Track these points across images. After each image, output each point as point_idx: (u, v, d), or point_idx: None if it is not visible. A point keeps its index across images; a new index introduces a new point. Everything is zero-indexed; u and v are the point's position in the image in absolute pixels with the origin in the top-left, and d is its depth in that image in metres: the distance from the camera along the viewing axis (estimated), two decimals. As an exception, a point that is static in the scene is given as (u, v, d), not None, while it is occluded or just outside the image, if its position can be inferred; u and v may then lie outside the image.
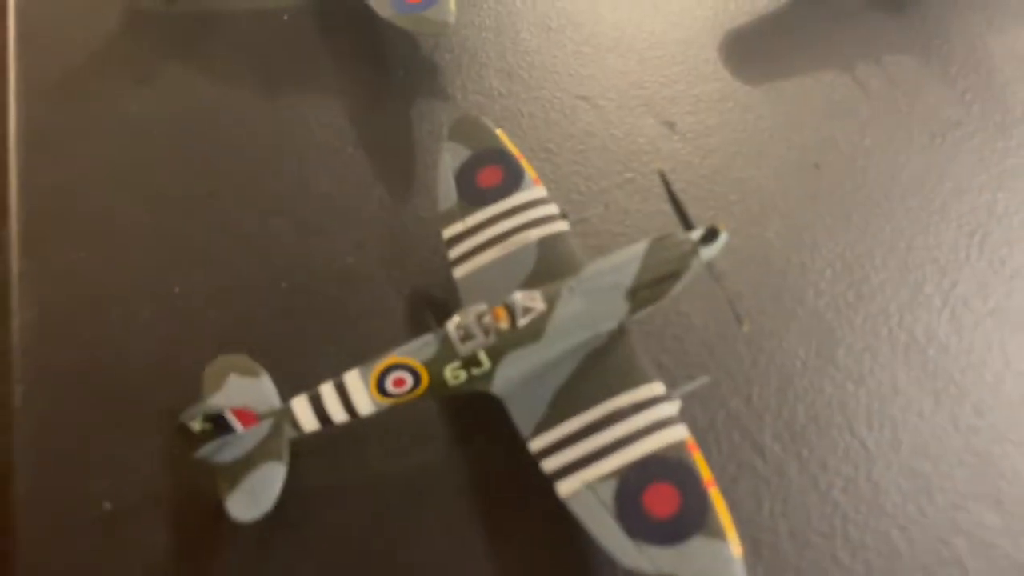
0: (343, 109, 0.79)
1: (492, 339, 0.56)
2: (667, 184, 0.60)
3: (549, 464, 0.55)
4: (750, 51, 0.90)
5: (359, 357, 0.59)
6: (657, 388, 0.56)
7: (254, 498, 0.53)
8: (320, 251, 0.70)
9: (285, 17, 0.86)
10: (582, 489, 0.53)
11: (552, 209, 0.65)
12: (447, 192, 0.67)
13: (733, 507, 0.55)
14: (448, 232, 0.65)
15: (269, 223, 0.71)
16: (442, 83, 0.82)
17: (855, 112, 0.84)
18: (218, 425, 0.54)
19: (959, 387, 0.66)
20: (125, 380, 0.62)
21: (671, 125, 0.81)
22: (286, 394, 0.57)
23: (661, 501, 0.51)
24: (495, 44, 0.86)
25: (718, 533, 0.50)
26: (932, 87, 0.85)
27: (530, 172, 0.67)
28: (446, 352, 0.56)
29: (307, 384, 0.57)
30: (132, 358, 0.63)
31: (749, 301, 0.69)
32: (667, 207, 0.62)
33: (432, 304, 0.66)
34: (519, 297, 0.57)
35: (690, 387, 0.57)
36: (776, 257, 0.72)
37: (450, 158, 0.69)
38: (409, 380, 0.56)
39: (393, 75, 0.82)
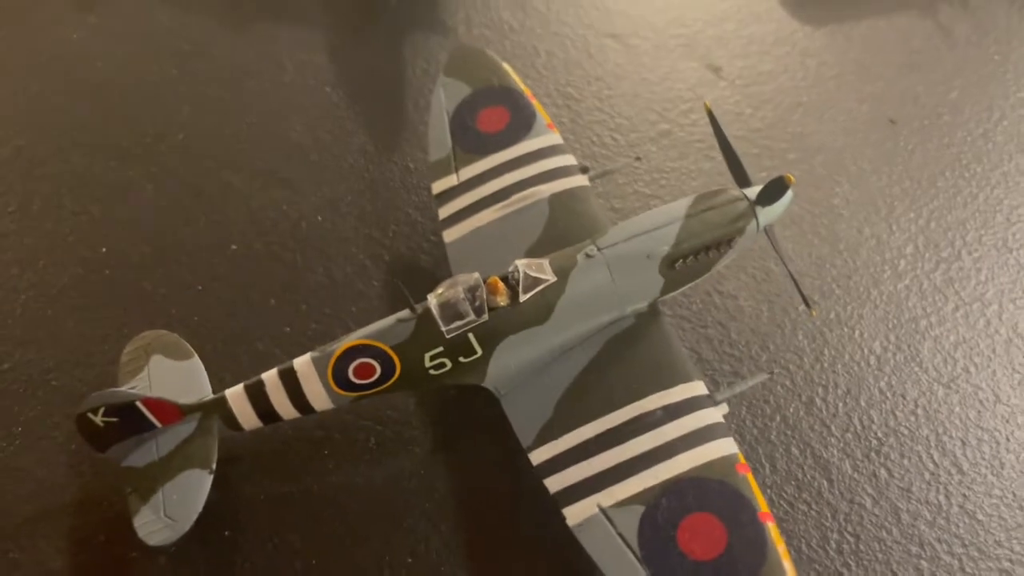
0: (322, 41, 0.66)
1: (486, 319, 0.44)
2: (716, 125, 0.47)
3: (555, 483, 0.42)
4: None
5: (319, 339, 0.46)
6: (698, 387, 0.43)
7: (169, 516, 0.41)
8: (284, 208, 0.57)
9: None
10: (597, 516, 0.40)
11: (569, 160, 0.52)
12: (440, 137, 0.55)
13: (791, 543, 0.42)
14: (439, 186, 0.53)
15: (223, 173, 0.58)
16: (442, 13, 0.69)
17: (938, 61, 0.71)
18: (129, 419, 0.42)
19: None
20: (25, 359, 0.50)
21: (717, 70, 0.68)
22: (223, 383, 0.45)
23: (702, 538, 0.38)
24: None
25: (779, 556, 0.37)
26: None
27: (543, 115, 0.54)
28: (426, 334, 0.44)
29: (250, 371, 0.45)
30: (39, 331, 0.51)
31: (812, 282, 0.55)
32: (710, 165, 0.49)
33: (416, 274, 0.53)
34: (522, 265, 0.44)
35: (742, 387, 0.44)
36: (845, 229, 0.59)
37: (446, 97, 0.56)
38: (377, 368, 0.44)
39: (384, 1, 0.69)
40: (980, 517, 0.48)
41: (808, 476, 0.48)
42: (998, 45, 0.72)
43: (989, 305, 0.55)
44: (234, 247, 0.55)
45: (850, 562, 0.46)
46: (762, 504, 0.39)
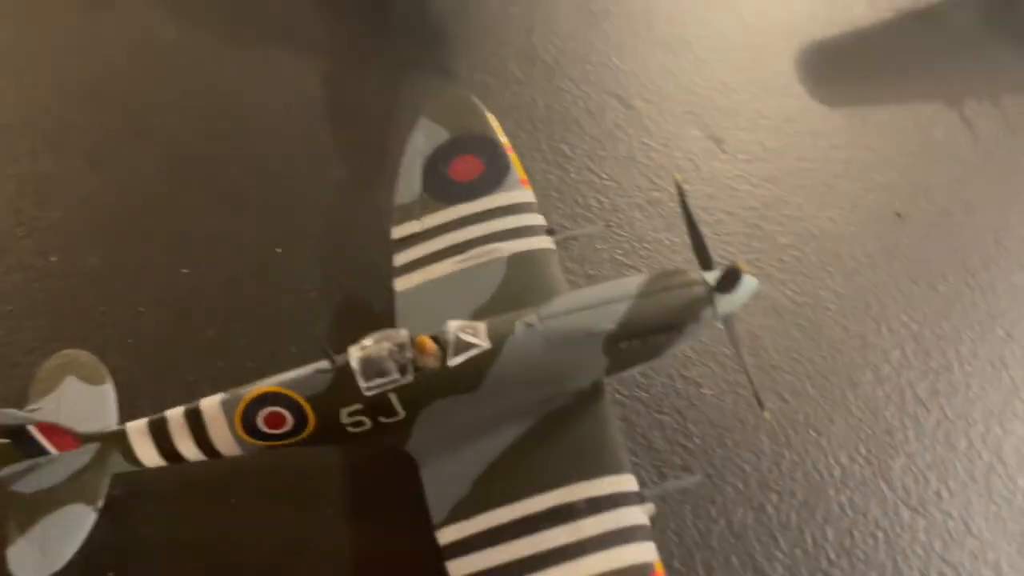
0: (321, 70, 0.65)
1: (410, 379, 0.41)
2: (684, 200, 0.44)
3: (458, 568, 0.39)
4: (835, 69, 0.74)
5: (252, 377, 0.44)
6: (627, 482, 0.39)
7: (43, 552, 0.39)
8: (245, 235, 0.55)
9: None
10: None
11: (536, 219, 0.49)
12: (410, 181, 0.52)
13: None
14: (399, 231, 0.50)
15: (191, 189, 0.57)
16: (446, 55, 0.67)
17: (957, 157, 0.67)
18: (21, 442, 0.40)
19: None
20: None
21: (719, 141, 0.65)
22: (141, 412, 0.42)
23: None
24: (522, 20, 0.71)
25: None
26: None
27: (518, 170, 0.52)
28: (344, 389, 0.41)
29: (174, 403, 0.42)
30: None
31: (784, 377, 0.52)
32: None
33: (365, 320, 0.51)
34: (455, 327, 0.41)
35: (675, 485, 0.41)
36: (830, 324, 0.55)
37: (424, 139, 0.54)
38: (289, 419, 0.41)
39: (388, 36, 0.67)
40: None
41: (746, 591, 0.44)
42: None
43: (974, 424, 0.51)
44: (185, 271, 0.53)
45: None
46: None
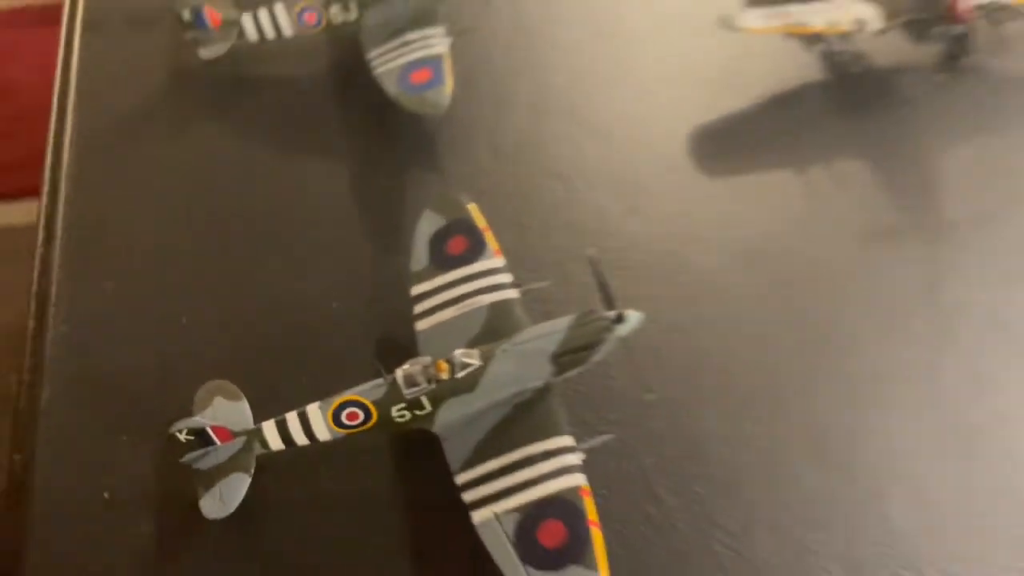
0: (346, 173, 0.92)
1: (434, 387, 0.68)
2: (594, 267, 0.71)
3: (468, 495, 0.65)
4: (718, 147, 1.01)
5: (325, 392, 0.70)
6: (566, 440, 0.66)
7: (222, 501, 0.65)
8: (309, 294, 0.82)
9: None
10: (491, 519, 0.64)
11: (506, 278, 0.76)
12: (419, 255, 0.79)
13: (624, 545, 0.65)
14: (416, 290, 0.77)
15: (268, 266, 0.83)
16: (436, 155, 0.94)
17: (801, 209, 0.94)
18: (201, 438, 0.66)
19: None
20: (134, 393, 0.75)
21: (634, 209, 0.92)
22: (259, 417, 0.68)
23: (550, 534, 0.61)
24: (488, 122, 0.98)
25: (592, 567, 0.60)
26: (874, 191, 0.96)
27: (492, 244, 0.78)
28: (394, 395, 0.68)
29: (277, 411, 0.69)
30: (141, 374, 0.75)
31: (668, 373, 0.78)
32: (614, 284, 0.72)
33: (397, 350, 0.76)
34: (458, 354, 0.68)
35: (593, 443, 0.68)
36: (705, 337, 0.82)
37: (427, 226, 0.80)
38: (361, 415, 0.68)
39: (394, 146, 0.94)
40: (760, 553, 0.71)
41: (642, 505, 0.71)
42: (847, 196, 0.96)
43: (789, 402, 0.79)
44: (273, 321, 0.79)
45: (667, 566, 0.68)
46: (593, 517, 0.62)
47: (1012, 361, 0.81)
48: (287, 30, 0.99)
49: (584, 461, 0.66)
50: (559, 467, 0.65)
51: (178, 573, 0.67)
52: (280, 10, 0.99)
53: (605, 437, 0.68)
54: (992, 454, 0.75)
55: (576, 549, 0.60)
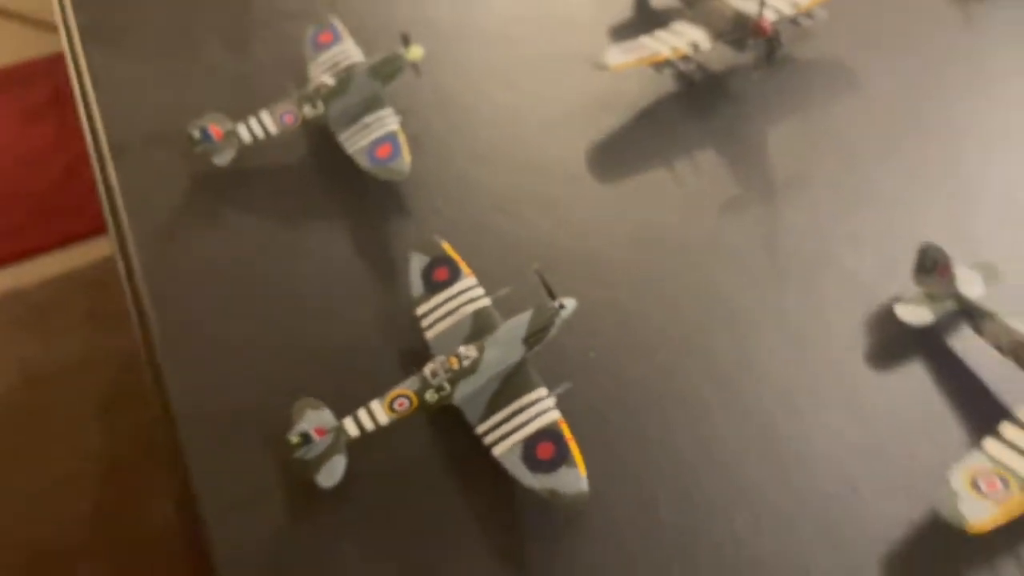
0: (347, 234, 1.22)
1: (450, 375, 1.01)
2: (539, 275, 1.05)
3: (487, 439, 0.98)
4: (608, 159, 1.35)
5: (373, 395, 1.03)
6: (542, 392, 1.00)
7: (331, 475, 0.98)
8: (344, 330, 1.14)
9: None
10: (506, 450, 0.97)
11: (480, 291, 1.09)
12: (416, 285, 1.11)
13: (587, 451, 1.00)
14: (419, 311, 1.09)
15: (317, 322, 1.14)
16: (409, 209, 1.25)
17: (675, 196, 1.30)
18: (305, 438, 0.99)
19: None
20: (258, 418, 1.02)
21: (558, 221, 1.26)
22: (339, 416, 1.01)
23: (545, 451, 0.95)
24: (439, 175, 1.30)
25: (574, 465, 0.95)
26: (724, 173, 1.31)
27: (465, 269, 1.12)
28: (425, 385, 1.01)
29: (349, 410, 1.01)
30: (260, 406, 1.03)
31: (602, 338, 1.12)
32: (553, 281, 1.06)
33: (417, 356, 1.09)
34: (462, 350, 1.02)
35: (559, 390, 1.02)
36: (625, 308, 1.16)
37: (416, 263, 1.13)
38: (407, 402, 1.01)
39: (376, 206, 1.26)
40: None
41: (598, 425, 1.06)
42: (709, 182, 1.32)
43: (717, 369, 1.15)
44: (331, 356, 1.12)
45: (618, 459, 1.04)
46: (569, 436, 0.96)
47: (839, 289, 1.16)
48: (273, 130, 1.30)
49: (556, 403, 1.01)
50: (542, 409, 0.99)
51: (304, 518, 0.98)
52: (265, 116, 1.29)
53: (566, 385, 1.03)
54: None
55: (563, 457, 0.95)
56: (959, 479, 0.93)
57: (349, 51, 1.37)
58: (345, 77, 1.31)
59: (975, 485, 0.92)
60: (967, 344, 1.08)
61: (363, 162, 1.25)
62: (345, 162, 1.26)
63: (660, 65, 1.38)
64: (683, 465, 1.00)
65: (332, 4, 1.45)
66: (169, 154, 1.29)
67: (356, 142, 1.27)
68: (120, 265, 1.21)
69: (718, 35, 1.39)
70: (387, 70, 1.32)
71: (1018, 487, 0.92)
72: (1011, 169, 1.30)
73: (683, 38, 1.38)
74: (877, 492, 0.98)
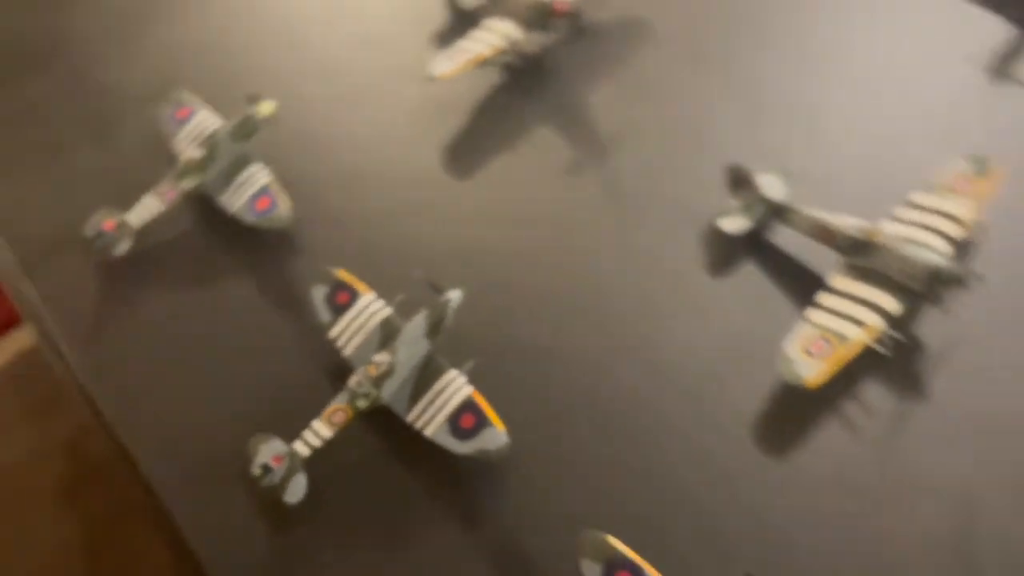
0: (252, 283, 1.37)
1: (372, 381, 1.19)
2: (424, 277, 1.23)
3: (418, 424, 1.16)
4: (462, 154, 1.53)
5: (317, 412, 1.19)
6: (453, 373, 1.18)
7: (295, 492, 1.15)
8: (277, 369, 1.29)
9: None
10: (436, 429, 1.15)
11: (380, 303, 1.25)
12: (323, 313, 1.27)
13: (501, 408, 1.18)
14: (332, 334, 1.26)
15: (248, 365, 1.29)
16: (300, 247, 1.41)
17: (528, 172, 1.49)
18: (266, 469, 1.16)
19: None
20: (222, 460, 1.16)
21: (435, 223, 1.42)
22: (289, 440, 1.18)
23: (467, 421, 1.14)
24: (320, 209, 1.45)
25: (492, 425, 1.14)
26: (563, 142, 1.51)
27: (362, 287, 1.28)
28: (354, 395, 1.18)
29: (296, 434, 1.18)
30: (220, 450, 1.16)
31: (488, 317, 1.30)
32: (438, 277, 1.24)
33: (341, 372, 1.26)
34: (377, 358, 1.19)
35: (466, 367, 1.21)
36: (509, 286, 1.34)
37: (318, 294, 1.29)
38: (343, 414, 1.18)
39: (270, 253, 1.42)
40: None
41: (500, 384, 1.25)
42: (547, 149, 1.51)
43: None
44: (276, 398, 1.28)
45: (529, 414, 1.23)
46: (484, 403, 1.15)
47: (673, 217, 1.35)
48: (159, 209, 1.43)
49: (468, 379, 1.19)
50: (456, 388, 1.17)
51: (291, 534, 1.11)
52: (149, 199, 1.41)
53: (471, 362, 1.22)
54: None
55: (482, 421, 1.14)
56: (792, 347, 1.16)
57: (207, 120, 1.51)
58: (210, 145, 1.44)
59: (806, 350, 1.15)
60: (782, 237, 1.31)
61: (247, 218, 1.40)
62: (233, 220, 1.40)
63: (484, 63, 1.55)
64: (580, 393, 1.18)
65: (178, 80, 1.57)
66: (75, 256, 1.42)
67: (235, 202, 1.42)
68: (54, 360, 1.35)
69: (526, 24, 1.57)
70: (246, 130, 1.46)
71: (839, 342, 1.15)
72: (796, 85, 1.53)
73: (497, 34, 1.56)
74: (735, 375, 1.20)
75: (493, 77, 1.54)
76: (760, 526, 1.10)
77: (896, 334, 1.11)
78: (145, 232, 1.41)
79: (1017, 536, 1.02)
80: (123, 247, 1.41)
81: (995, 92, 1.42)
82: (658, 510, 1.12)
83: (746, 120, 1.48)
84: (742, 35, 1.56)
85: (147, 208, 1.42)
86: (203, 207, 1.46)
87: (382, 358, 1.19)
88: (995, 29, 1.47)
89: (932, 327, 1.19)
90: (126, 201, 1.41)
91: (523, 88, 1.54)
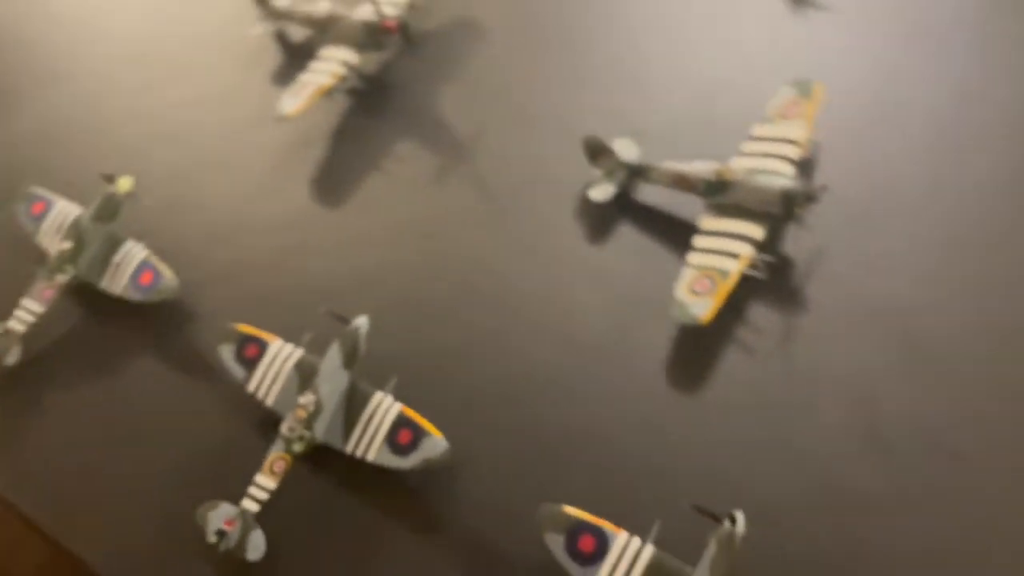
0: (159, 359, 1.36)
1: (303, 423, 1.21)
2: (330, 313, 1.26)
3: (358, 453, 1.20)
4: (328, 187, 1.56)
5: (258, 466, 1.21)
6: (380, 395, 1.21)
7: (257, 548, 1.16)
8: (206, 435, 1.30)
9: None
10: (376, 451, 1.19)
11: (289, 347, 1.27)
12: (236, 370, 1.28)
13: (431, 415, 1.23)
14: (250, 388, 1.27)
15: (176, 439, 1.29)
16: (195, 311, 1.41)
17: (397, 189, 1.53)
18: (221, 534, 1.17)
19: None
20: (181, 538, 1.15)
21: (320, 257, 1.46)
22: (236, 500, 1.19)
23: (405, 437, 1.17)
24: (206, 270, 1.45)
25: (429, 434, 1.18)
26: (426, 151, 1.56)
27: (268, 337, 1.30)
28: (289, 441, 1.20)
29: (242, 493, 1.20)
30: (176, 530, 1.17)
31: (403, 327, 1.36)
32: (343, 310, 1.27)
33: (271, 421, 1.28)
34: (301, 400, 1.21)
35: (390, 386, 1.25)
36: (406, 297, 1.39)
37: (227, 353, 1.29)
38: (283, 462, 1.20)
39: (170, 325, 1.41)
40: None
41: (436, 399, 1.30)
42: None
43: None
44: (206, 467, 1.29)
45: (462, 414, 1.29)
46: (417, 416, 1.18)
47: (549, 196, 1.43)
48: (41, 309, 1.40)
49: (394, 396, 1.23)
50: (385, 408, 1.20)
51: None
52: (27, 302, 1.37)
53: (393, 381, 1.26)
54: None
55: (419, 433, 1.18)
56: (681, 291, 1.25)
57: (65, 209, 1.48)
58: (76, 234, 1.42)
59: (692, 290, 1.24)
60: (648, 195, 1.41)
61: (134, 296, 1.39)
62: (120, 301, 1.39)
63: (329, 92, 1.58)
64: (500, 380, 1.23)
65: (25, 175, 1.54)
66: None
67: (118, 283, 1.40)
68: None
69: (359, 46, 1.60)
70: (109, 211, 1.44)
71: (720, 277, 1.25)
72: (626, 48, 1.62)
73: (334, 61, 1.59)
74: (637, 328, 1.29)
75: (342, 104, 1.58)
76: (692, 460, 1.19)
77: (767, 257, 1.21)
78: (33, 336, 1.39)
79: (918, 410, 1.14)
80: (13, 357, 1.38)
81: (800, 17, 1.55)
82: (599, 466, 1.19)
83: (589, 91, 1.57)
84: (565, 12, 1.64)
85: (28, 311, 1.39)
86: (86, 296, 1.44)
87: (307, 399, 1.22)
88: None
89: (796, 242, 1.30)
90: (2, 310, 1.38)
91: (373, 108, 1.58)
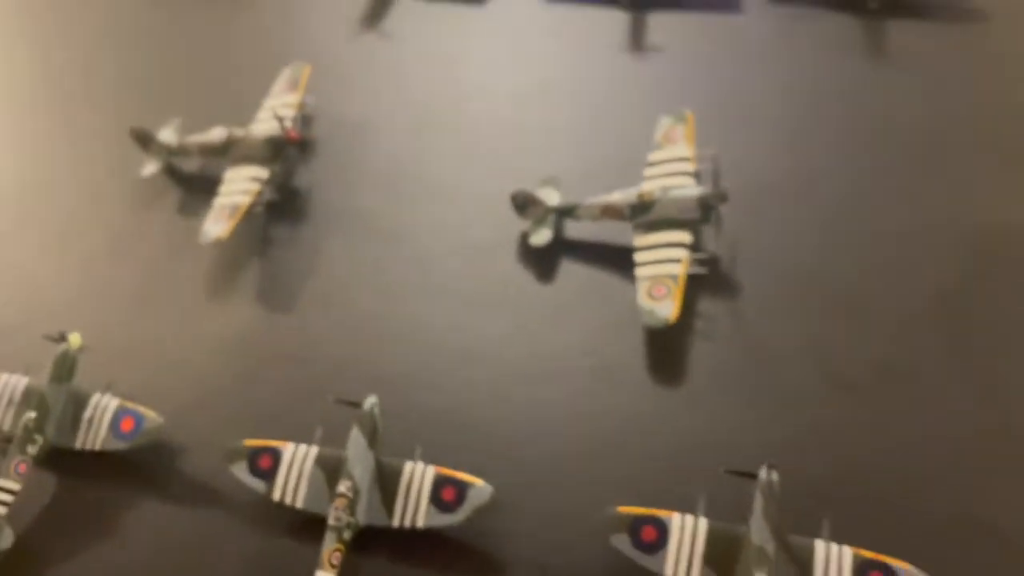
0: (167, 493, 1.32)
1: (347, 510, 1.24)
2: (341, 400, 1.31)
3: (406, 523, 1.24)
4: (274, 303, 1.61)
5: (316, 565, 1.22)
6: (409, 464, 1.26)
7: None
8: (249, 550, 1.26)
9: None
10: (425, 518, 1.24)
11: (304, 448, 1.26)
12: (255, 485, 1.29)
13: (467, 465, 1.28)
14: (275, 497, 1.26)
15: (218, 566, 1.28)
16: (187, 442, 1.39)
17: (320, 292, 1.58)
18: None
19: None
20: None
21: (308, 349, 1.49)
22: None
23: (449, 494, 1.21)
24: (182, 396, 1.43)
25: (471, 484, 1.22)
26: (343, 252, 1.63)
27: (279, 444, 1.31)
28: (339, 530, 1.20)
29: None
30: None
31: (405, 388, 1.43)
32: (343, 392, 1.32)
33: (310, 523, 1.28)
34: (341, 488, 1.24)
35: (418, 453, 1.30)
36: (401, 361, 1.46)
37: (240, 471, 1.29)
38: (338, 553, 1.21)
39: (165, 460, 1.38)
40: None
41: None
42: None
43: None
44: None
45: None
46: (456, 473, 1.26)
47: (492, 247, 1.54)
48: (16, 487, 1.30)
49: (424, 461, 1.29)
50: (419, 475, 1.22)
51: None
52: (4, 482, 1.31)
53: (419, 448, 1.31)
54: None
55: (462, 487, 1.23)
56: (643, 300, 1.42)
57: (11, 381, 1.43)
58: (36, 401, 1.38)
59: (652, 296, 1.41)
60: (581, 231, 1.58)
61: (120, 446, 1.36)
62: (103, 456, 1.35)
63: (250, 210, 1.63)
64: (505, 421, 1.33)
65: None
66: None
67: (97, 438, 1.36)
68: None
69: (266, 161, 1.67)
70: (65, 370, 1.41)
71: (671, 281, 1.42)
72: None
73: (246, 179, 1.65)
74: (612, 344, 1.41)
75: (258, 217, 1.63)
76: (694, 441, 1.34)
77: (701, 255, 1.40)
78: (18, 515, 1.32)
79: (870, 352, 1.33)
80: (6, 541, 1.31)
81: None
82: (619, 471, 1.30)
83: (502, 153, 1.73)
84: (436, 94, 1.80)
85: (5, 492, 1.33)
86: (65, 461, 1.39)
87: (345, 485, 1.25)
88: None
89: (720, 239, 1.51)
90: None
91: (287, 214, 1.65)
